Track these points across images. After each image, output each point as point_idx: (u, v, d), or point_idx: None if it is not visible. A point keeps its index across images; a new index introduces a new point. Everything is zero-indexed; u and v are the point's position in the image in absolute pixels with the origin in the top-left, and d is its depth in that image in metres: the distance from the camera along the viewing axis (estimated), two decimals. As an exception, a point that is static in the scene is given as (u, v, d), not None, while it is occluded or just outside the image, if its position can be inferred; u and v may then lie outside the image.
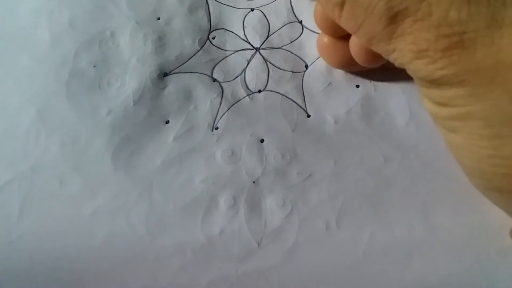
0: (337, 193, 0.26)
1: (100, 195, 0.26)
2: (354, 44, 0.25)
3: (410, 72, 0.21)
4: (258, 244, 0.25)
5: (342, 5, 0.21)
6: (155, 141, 0.27)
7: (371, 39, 0.21)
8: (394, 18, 0.19)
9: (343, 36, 0.26)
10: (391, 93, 0.28)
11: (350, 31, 0.22)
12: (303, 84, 0.29)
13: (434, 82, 0.20)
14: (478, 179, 0.22)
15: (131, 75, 0.28)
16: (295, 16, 0.31)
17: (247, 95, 0.28)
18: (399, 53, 0.20)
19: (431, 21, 0.18)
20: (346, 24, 0.22)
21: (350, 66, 0.27)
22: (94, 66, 0.28)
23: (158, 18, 0.30)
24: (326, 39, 0.27)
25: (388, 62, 0.22)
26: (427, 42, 0.19)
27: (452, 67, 0.19)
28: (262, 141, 0.27)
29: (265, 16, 0.30)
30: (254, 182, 0.26)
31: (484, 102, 0.19)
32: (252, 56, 0.29)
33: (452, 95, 0.19)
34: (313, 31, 0.30)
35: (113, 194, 0.26)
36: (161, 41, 0.29)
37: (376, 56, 0.23)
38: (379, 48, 0.21)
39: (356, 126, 0.27)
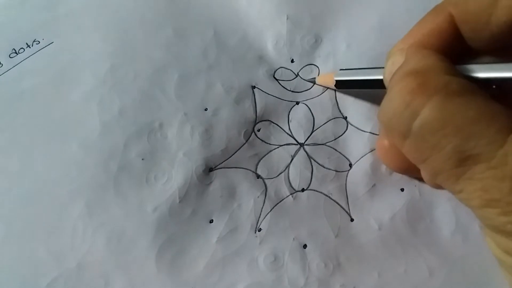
0: (380, 306, 0.25)
1: (143, 296, 0.26)
2: None
3: (478, 217, 0.20)
4: None
5: (405, 137, 0.20)
6: (199, 241, 0.27)
7: (437, 174, 0.20)
8: (464, 161, 0.18)
9: None
10: (436, 198, 0.28)
11: (413, 162, 0.22)
12: (347, 184, 0.28)
13: (504, 232, 0.19)
14: None
15: (177, 170, 0.28)
16: (340, 111, 0.30)
17: (291, 194, 0.28)
18: (467, 195, 0.19)
19: (506, 171, 0.17)
20: (409, 155, 0.21)
21: (411, 172, 0.26)
22: (142, 159, 0.29)
23: (206, 109, 0.30)
24: (386, 142, 0.26)
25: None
26: (499, 192, 0.18)
27: None
28: (305, 246, 0.27)
29: (310, 110, 0.31)
30: (296, 291, 0.26)
31: None
32: (296, 152, 0.29)
33: None
34: (358, 128, 0.30)
35: (156, 296, 0.26)
36: (207, 134, 0.29)
37: None
38: (445, 185, 0.20)
39: (401, 233, 0.27)
